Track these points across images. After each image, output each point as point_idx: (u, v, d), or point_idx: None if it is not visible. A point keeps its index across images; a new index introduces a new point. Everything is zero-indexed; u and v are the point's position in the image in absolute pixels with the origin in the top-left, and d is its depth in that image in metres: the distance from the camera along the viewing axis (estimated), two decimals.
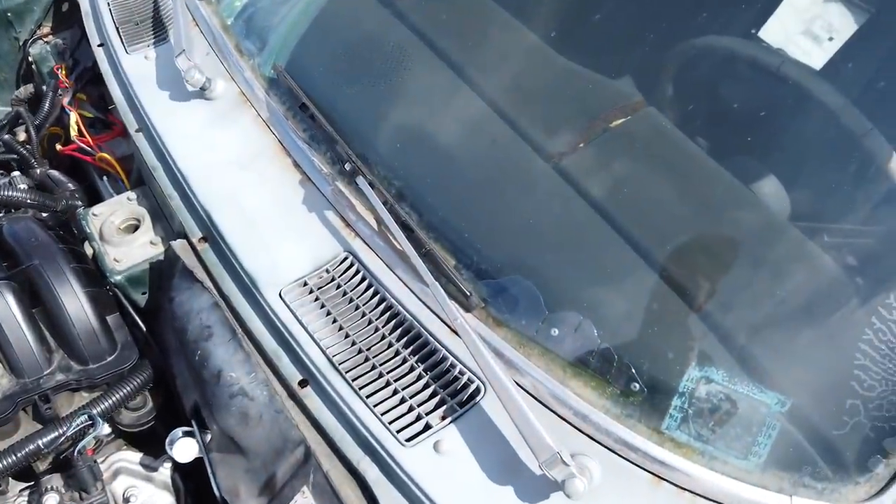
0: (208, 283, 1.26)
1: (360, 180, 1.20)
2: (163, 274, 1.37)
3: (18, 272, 1.28)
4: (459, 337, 1.10)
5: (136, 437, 1.36)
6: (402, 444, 1.02)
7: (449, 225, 1.19)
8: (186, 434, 1.22)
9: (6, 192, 1.56)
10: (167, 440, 1.22)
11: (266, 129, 1.45)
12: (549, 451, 0.91)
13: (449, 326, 1.12)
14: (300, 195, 1.33)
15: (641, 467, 0.95)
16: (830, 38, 1.58)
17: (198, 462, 1.21)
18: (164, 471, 1.30)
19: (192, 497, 1.32)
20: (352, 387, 1.09)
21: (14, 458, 1.14)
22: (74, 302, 1.26)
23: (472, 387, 1.06)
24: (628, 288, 1.08)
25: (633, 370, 0.98)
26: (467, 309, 1.11)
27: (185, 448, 1.19)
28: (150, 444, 1.35)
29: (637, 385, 0.98)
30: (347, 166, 1.23)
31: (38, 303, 1.29)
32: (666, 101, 1.36)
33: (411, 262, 1.15)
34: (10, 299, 1.23)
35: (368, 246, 1.23)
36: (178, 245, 1.32)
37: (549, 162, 1.25)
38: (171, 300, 1.28)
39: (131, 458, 1.30)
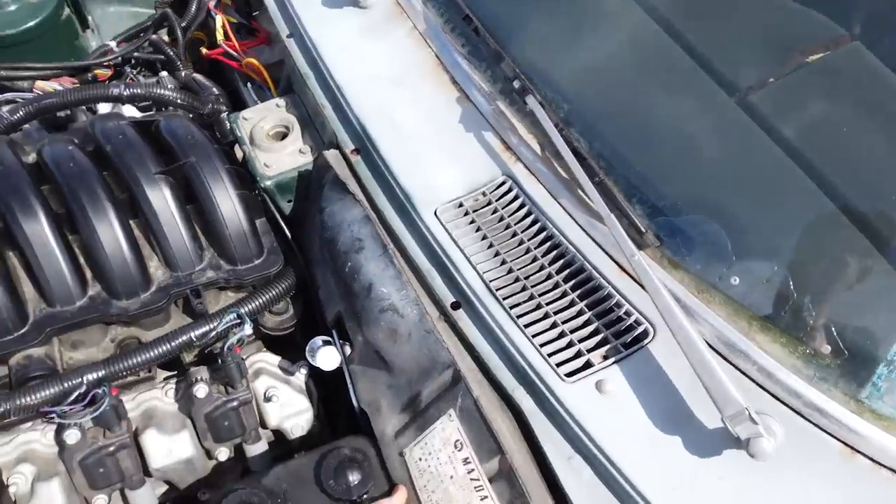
0: (360, 196, 1.23)
1: (532, 100, 1.13)
2: (311, 183, 1.35)
3: (175, 168, 1.29)
4: (628, 274, 1.04)
5: (273, 341, 1.38)
6: (562, 379, 0.97)
7: (621, 155, 1.11)
8: (325, 343, 1.22)
9: (158, 90, 1.58)
10: (307, 348, 1.23)
11: (422, 42, 1.39)
12: (736, 405, 0.84)
13: (616, 262, 1.05)
14: (457, 114, 1.28)
15: (833, 435, 0.87)
16: None
17: (333, 372, 1.21)
18: (300, 376, 1.31)
19: (322, 404, 1.34)
20: (508, 313, 1.04)
21: (168, 346, 1.17)
22: (228, 202, 1.26)
23: (640, 329, 0.99)
24: (826, 240, 0.97)
25: (834, 331, 0.89)
26: (640, 246, 1.03)
27: (328, 356, 1.19)
28: (285, 349, 1.36)
29: (834, 347, 0.89)
30: (517, 84, 1.16)
31: (191, 200, 1.30)
32: (873, 36, 1.21)
33: (579, 191, 1.09)
34: (168, 194, 1.25)
35: (530, 171, 1.17)
36: (331, 155, 1.30)
37: (733, 96, 1.14)
38: (322, 210, 1.26)
39: (270, 360, 1.32)
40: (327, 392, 1.34)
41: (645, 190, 1.07)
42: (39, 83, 1.77)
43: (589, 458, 0.93)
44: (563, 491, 0.92)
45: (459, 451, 1.00)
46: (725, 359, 0.95)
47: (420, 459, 1.02)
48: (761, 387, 0.92)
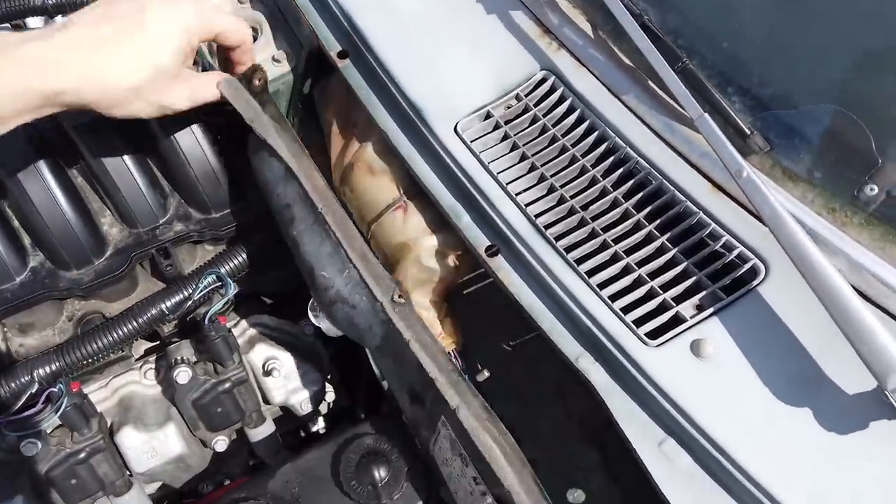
0: (278, 142, 0.88)
1: None
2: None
3: None
4: (724, 193, 0.78)
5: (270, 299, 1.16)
6: (644, 342, 0.73)
7: (712, 28, 0.81)
8: None
9: None
10: (309, 305, 0.99)
11: None
12: None
13: (707, 178, 0.78)
14: None
15: None
16: None
17: None
18: (306, 338, 1.10)
19: (335, 364, 1.13)
20: (564, 258, 0.79)
21: (135, 324, 0.94)
22: (188, 136, 0.98)
23: (746, 267, 0.74)
24: None
25: None
26: (743, 154, 0.76)
27: None
28: (286, 306, 1.13)
29: None
30: None
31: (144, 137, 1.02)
32: None
33: (654, 83, 0.80)
34: (111, 133, 0.97)
35: (578, 61, 0.88)
36: (226, 85, 0.92)
37: None
38: (249, 165, 0.97)
39: (268, 322, 1.09)
40: (339, 350, 1.12)
41: (747, 74, 0.78)
42: None
43: (686, 442, 0.71)
44: (655, 484, 0.70)
45: (467, 466, 0.75)
46: (873, 302, 0.69)
47: (444, 462, 0.79)
48: None
